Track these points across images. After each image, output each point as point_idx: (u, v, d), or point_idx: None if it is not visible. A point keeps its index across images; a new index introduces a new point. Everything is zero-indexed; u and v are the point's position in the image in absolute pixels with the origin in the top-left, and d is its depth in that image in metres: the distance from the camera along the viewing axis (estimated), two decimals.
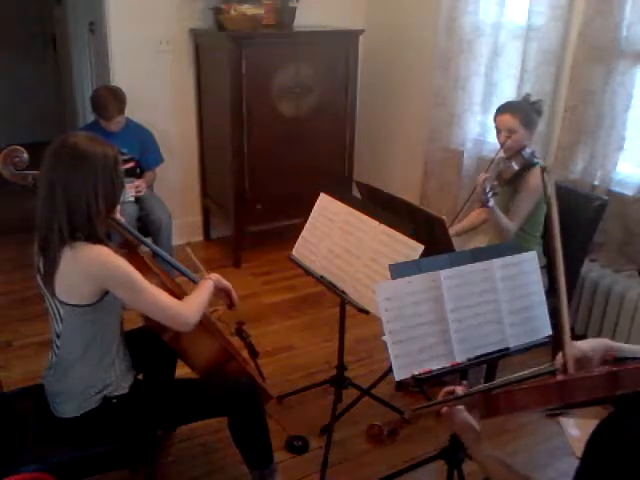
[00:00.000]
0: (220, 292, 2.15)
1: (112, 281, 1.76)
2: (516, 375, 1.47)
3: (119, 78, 3.84)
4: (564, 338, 1.41)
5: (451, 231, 2.67)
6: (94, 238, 1.75)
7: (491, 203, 2.56)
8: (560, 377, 1.34)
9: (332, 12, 4.30)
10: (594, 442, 1.18)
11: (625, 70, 2.91)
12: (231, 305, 2.21)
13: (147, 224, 3.62)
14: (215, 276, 2.11)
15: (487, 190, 2.54)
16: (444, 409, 1.48)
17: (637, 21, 2.85)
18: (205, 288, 2.03)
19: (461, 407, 1.46)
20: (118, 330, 1.93)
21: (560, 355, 1.42)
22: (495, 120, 2.75)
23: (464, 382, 1.57)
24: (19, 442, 1.87)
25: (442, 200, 3.87)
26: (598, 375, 1.24)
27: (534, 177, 2.66)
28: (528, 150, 2.70)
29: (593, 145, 3.06)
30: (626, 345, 1.53)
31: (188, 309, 1.89)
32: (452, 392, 1.51)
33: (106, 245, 1.77)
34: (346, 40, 3.98)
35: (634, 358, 1.37)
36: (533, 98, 2.75)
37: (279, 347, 3.20)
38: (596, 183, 3.08)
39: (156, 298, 1.82)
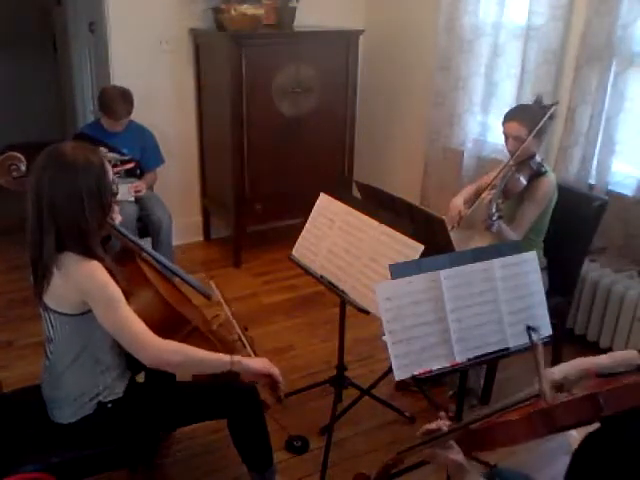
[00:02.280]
0: (258, 377, 1.91)
1: (90, 294, 1.72)
2: (500, 404, 1.41)
3: (119, 78, 3.83)
4: (539, 369, 1.38)
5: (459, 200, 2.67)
6: (88, 253, 1.72)
7: (495, 228, 2.46)
8: (541, 405, 1.30)
9: (332, 12, 4.30)
10: (583, 452, 1.19)
11: (620, 71, 2.92)
12: (276, 396, 1.93)
13: (147, 224, 3.62)
14: (243, 360, 1.83)
15: (493, 211, 2.43)
16: (425, 451, 1.43)
17: (632, 22, 2.85)
18: (216, 357, 1.82)
19: (443, 445, 1.40)
20: (111, 339, 1.88)
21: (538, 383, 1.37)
22: (503, 126, 2.67)
23: (441, 414, 1.49)
24: (19, 442, 1.87)
25: (442, 200, 3.86)
26: (579, 399, 1.23)
27: (541, 187, 2.60)
28: (537, 159, 2.61)
29: (590, 145, 3.07)
30: (604, 357, 1.51)
31: (160, 345, 1.75)
32: (434, 430, 1.44)
33: (101, 260, 1.74)
34: (346, 40, 3.98)
35: (616, 374, 1.34)
36: (545, 101, 2.63)
37: (279, 347, 3.20)
38: (593, 183, 3.09)
39: (129, 324, 1.73)
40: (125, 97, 3.52)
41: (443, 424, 1.43)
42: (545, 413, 1.25)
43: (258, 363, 1.88)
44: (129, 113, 3.56)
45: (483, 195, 2.57)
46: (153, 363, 1.78)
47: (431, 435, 1.42)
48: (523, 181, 2.57)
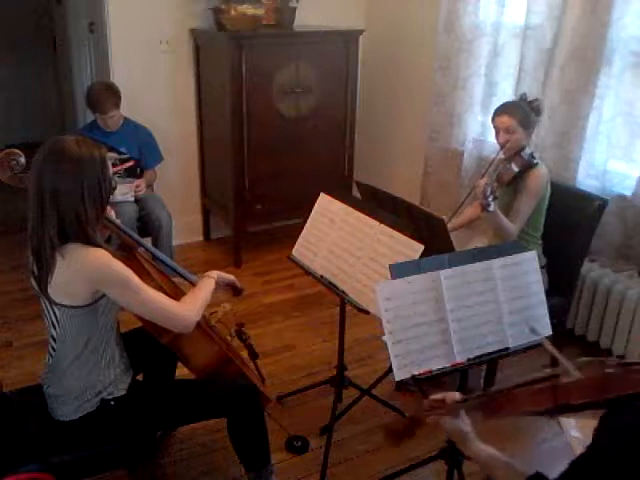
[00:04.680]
0: (224, 287, 2.16)
1: (107, 282, 1.74)
2: (513, 382, 1.44)
3: (119, 78, 3.83)
4: (558, 357, 1.39)
5: (448, 226, 2.67)
6: (91, 242, 1.73)
7: (492, 207, 2.51)
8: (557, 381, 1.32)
9: (332, 12, 4.30)
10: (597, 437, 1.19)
11: (616, 70, 2.91)
12: (237, 293, 2.22)
13: (147, 224, 3.62)
14: (215, 273, 2.10)
15: (488, 194, 2.48)
16: (430, 418, 1.51)
17: (630, 21, 2.84)
18: (205, 286, 2.02)
19: (454, 414, 1.48)
20: (114, 332, 1.92)
21: None
22: (493, 121, 2.75)
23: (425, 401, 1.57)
24: (19, 442, 1.87)
25: (442, 200, 3.86)
26: (590, 378, 1.23)
27: (534, 178, 2.66)
28: (527, 151, 2.69)
29: (587, 144, 3.07)
30: None
31: (187, 309, 1.87)
32: (440, 400, 1.52)
33: (103, 248, 1.75)
34: (346, 40, 3.98)
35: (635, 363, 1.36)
36: (530, 97, 2.75)
37: (279, 347, 3.20)
38: (591, 183, 3.08)
39: (153, 299, 1.80)
40: (110, 90, 3.53)
41: (451, 396, 1.51)
42: (554, 388, 1.27)
43: (227, 274, 2.17)
44: (117, 105, 3.55)
45: (476, 183, 2.61)
46: (188, 330, 1.91)
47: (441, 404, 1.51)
48: (514, 168, 2.65)
